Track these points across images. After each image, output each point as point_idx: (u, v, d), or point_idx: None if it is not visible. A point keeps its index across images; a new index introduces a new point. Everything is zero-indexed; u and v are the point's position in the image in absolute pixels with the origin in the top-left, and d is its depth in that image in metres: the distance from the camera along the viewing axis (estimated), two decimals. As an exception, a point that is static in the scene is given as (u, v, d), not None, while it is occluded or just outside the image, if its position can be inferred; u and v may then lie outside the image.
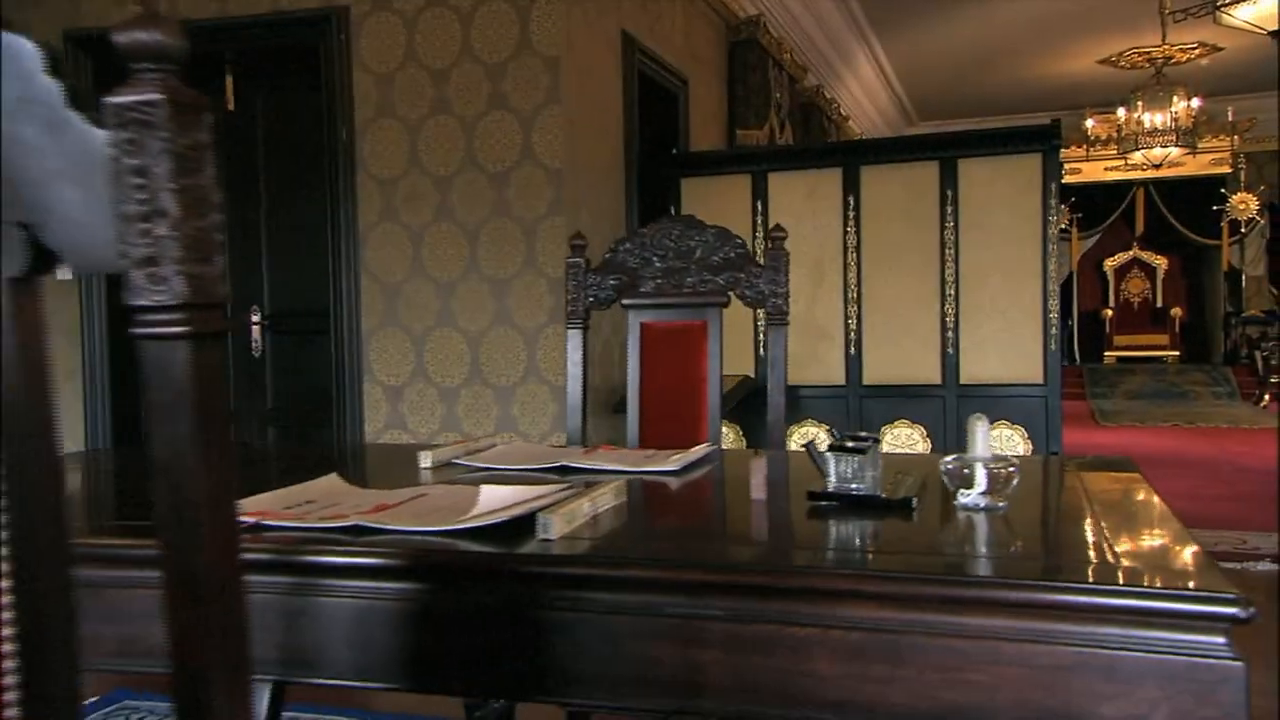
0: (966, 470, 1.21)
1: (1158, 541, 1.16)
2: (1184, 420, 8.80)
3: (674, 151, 5.13)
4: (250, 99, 4.62)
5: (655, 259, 2.15)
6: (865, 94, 10.10)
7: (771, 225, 5.03)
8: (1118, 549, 1.08)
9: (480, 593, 1.04)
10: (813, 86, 8.22)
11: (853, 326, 4.93)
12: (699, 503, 1.51)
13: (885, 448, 4.99)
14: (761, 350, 5.05)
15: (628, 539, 1.22)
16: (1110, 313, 11.88)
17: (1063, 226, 11.82)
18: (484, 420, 4.36)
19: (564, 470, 1.55)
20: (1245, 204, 10.98)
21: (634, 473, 1.53)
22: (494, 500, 1.22)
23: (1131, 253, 12.02)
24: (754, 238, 5.04)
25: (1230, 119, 10.52)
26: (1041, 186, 4.62)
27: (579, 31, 4.32)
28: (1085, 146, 11.41)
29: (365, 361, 4.42)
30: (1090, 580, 0.96)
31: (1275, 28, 5.12)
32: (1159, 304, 11.93)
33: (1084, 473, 1.55)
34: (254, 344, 4.66)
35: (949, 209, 4.76)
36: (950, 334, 4.79)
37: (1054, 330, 4.63)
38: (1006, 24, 8.56)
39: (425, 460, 1.63)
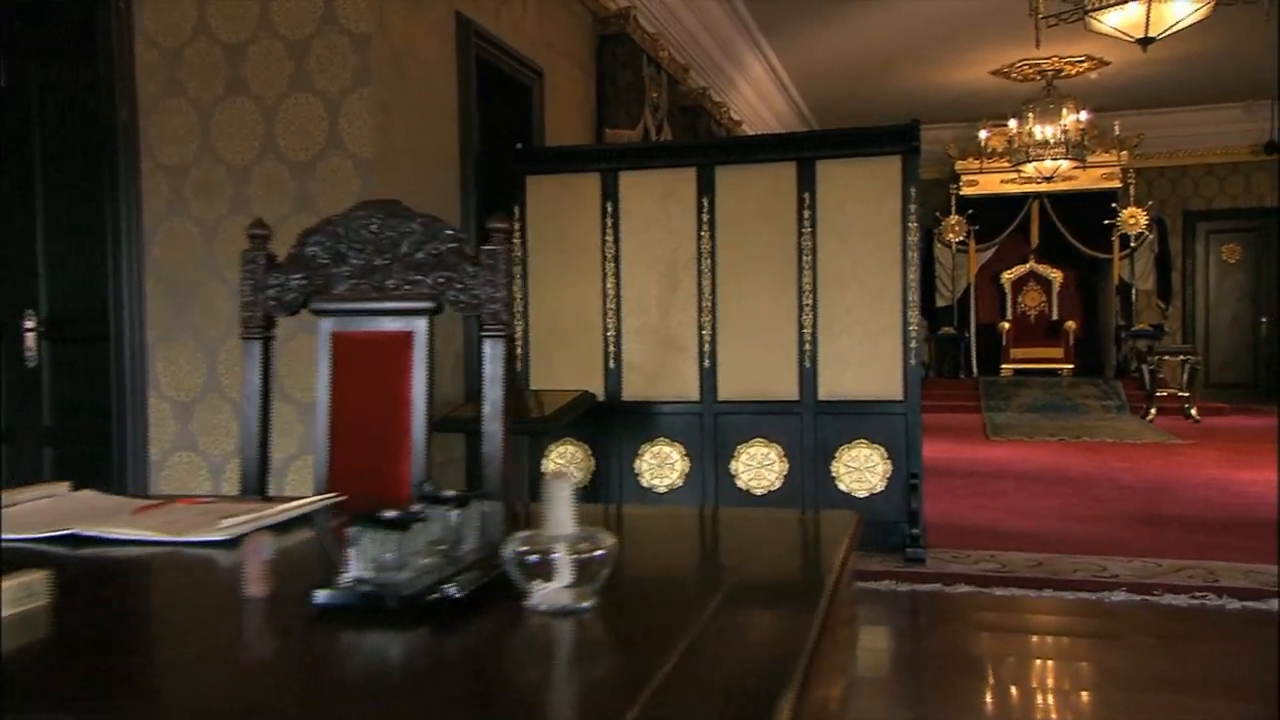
0: (542, 555, 0.83)
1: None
2: (1071, 435, 8.73)
3: (518, 146, 4.73)
4: (24, 75, 4.08)
5: (351, 254, 1.75)
6: (760, 98, 9.86)
7: (621, 228, 4.69)
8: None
9: None
10: (698, 88, 7.92)
11: (707, 337, 4.59)
12: (142, 612, 1.01)
13: (740, 468, 4.69)
14: (611, 363, 4.68)
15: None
16: (1007, 325, 11.87)
17: (960, 238, 11.79)
18: (287, 441, 3.89)
19: (75, 540, 1.12)
20: (1135, 219, 11.06)
21: (169, 543, 1.11)
22: None
23: (1028, 265, 12.04)
24: (604, 241, 4.68)
25: (1118, 134, 10.58)
26: (901, 190, 4.36)
27: (394, 8, 3.89)
28: (980, 158, 11.39)
29: (151, 374, 3.91)
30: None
31: (1143, 35, 4.98)
32: (1055, 317, 11.97)
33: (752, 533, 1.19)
34: (27, 353, 4.10)
35: (807, 213, 4.47)
36: (808, 347, 4.49)
37: (913, 344, 4.36)
38: (898, 29, 8.40)
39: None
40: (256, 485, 1.76)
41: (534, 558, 0.82)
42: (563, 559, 0.82)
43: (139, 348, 3.87)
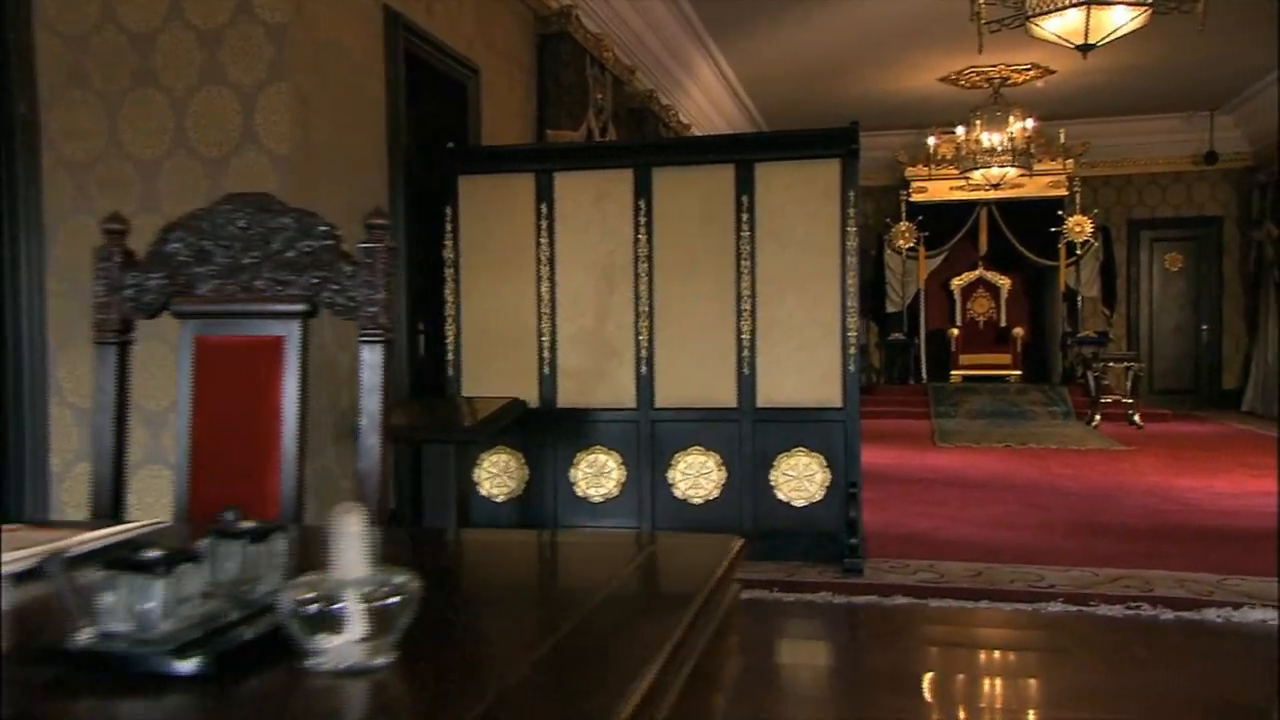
0: (325, 605, 0.70)
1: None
2: (1017, 441, 8.76)
3: (450, 146, 4.58)
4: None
5: (217, 252, 1.61)
6: (710, 102, 9.79)
7: (556, 230, 4.56)
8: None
9: None
10: (645, 90, 7.82)
11: (644, 343, 4.48)
12: None
13: (678, 477, 4.58)
14: (546, 368, 4.55)
15: None
16: (956, 332, 11.92)
17: (910, 245, 11.82)
18: (131, 450, 3.69)
19: None
20: (1080, 226, 11.17)
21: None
22: None
23: (977, 272, 12.11)
24: (538, 243, 4.54)
25: (1063, 142, 10.68)
26: (840, 194, 4.28)
27: (314, -1, 3.73)
28: (929, 165, 11.44)
29: (52, 379, 3.70)
30: None
31: (1082, 42, 4.97)
32: (1003, 324, 12.04)
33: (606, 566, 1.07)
34: (-80, 357, 3.86)
35: (745, 216, 4.37)
36: (747, 353, 4.39)
37: (852, 350, 4.28)
38: (846, 34, 8.38)
39: None
40: (110, 504, 1.61)
41: (316, 608, 0.69)
42: (351, 608, 0.69)
43: (39, 352, 3.66)
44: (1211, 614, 3.46)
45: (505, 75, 5.62)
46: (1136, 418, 9.77)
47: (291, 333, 1.61)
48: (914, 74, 9.64)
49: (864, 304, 12.75)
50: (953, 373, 11.75)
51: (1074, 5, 4.83)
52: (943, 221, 11.76)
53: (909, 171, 11.77)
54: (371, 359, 1.59)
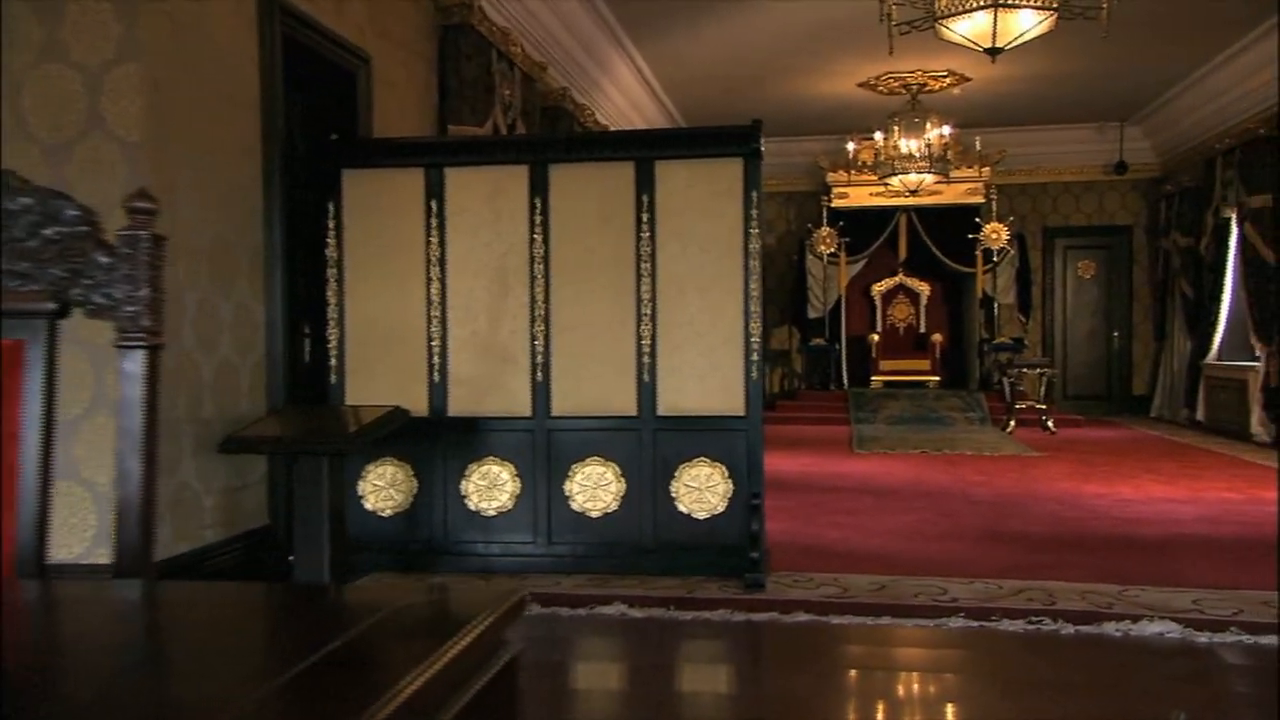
0: None
1: None
2: (933, 447, 8.76)
3: (333, 137, 4.30)
4: None
5: (-54, 240, 1.34)
6: (630, 103, 9.62)
7: (447, 229, 4.31)
8: None
9: None
10: (559, 88, 7.61)
11: (540, 348, 4.26)
12: None
13: (575, 488, 4.36)
14: (436, 375, 4.30)
15: None
16: (877, 337, 11.95)
17: (831, 250, 11.81)
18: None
19: None
20: (997, 234, 11.29)
21: None
22: None
23: (898, 278, 12.16)
24: (428, 243, 4.30)
25: (979, 150, 10.78)
26: (743, 194, 4.12)
27: (170, -28, 3.44)
28: (850, 171, 11.44)
29: None
30: None
31: (991, 45, 4.92)
32: (922, 330, 12.11)
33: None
34: None
35: (646, 216, 4.19)
36: (647, 359, 4.21)
37: (755, 356, 4.13)
38: (764, 37, 8.28)
39: None
40: None
41: None
42: None
43: None
44: (1111, 628, 3.38)
45: (403, 66, 5.35)
46: (1050, 423, 9.88)
47: (36, 337, 1.36)
48: (834, 79, 9.61)
49: (786, 309, 12.77)
50: (873, 378, 11.77)
51: (982, 8, 4.78)
52: (863, 227, 11.78)
53: (830, 177, 11.77)
54: (132, 369, 1.35)
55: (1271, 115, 8.85)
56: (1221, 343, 10.24)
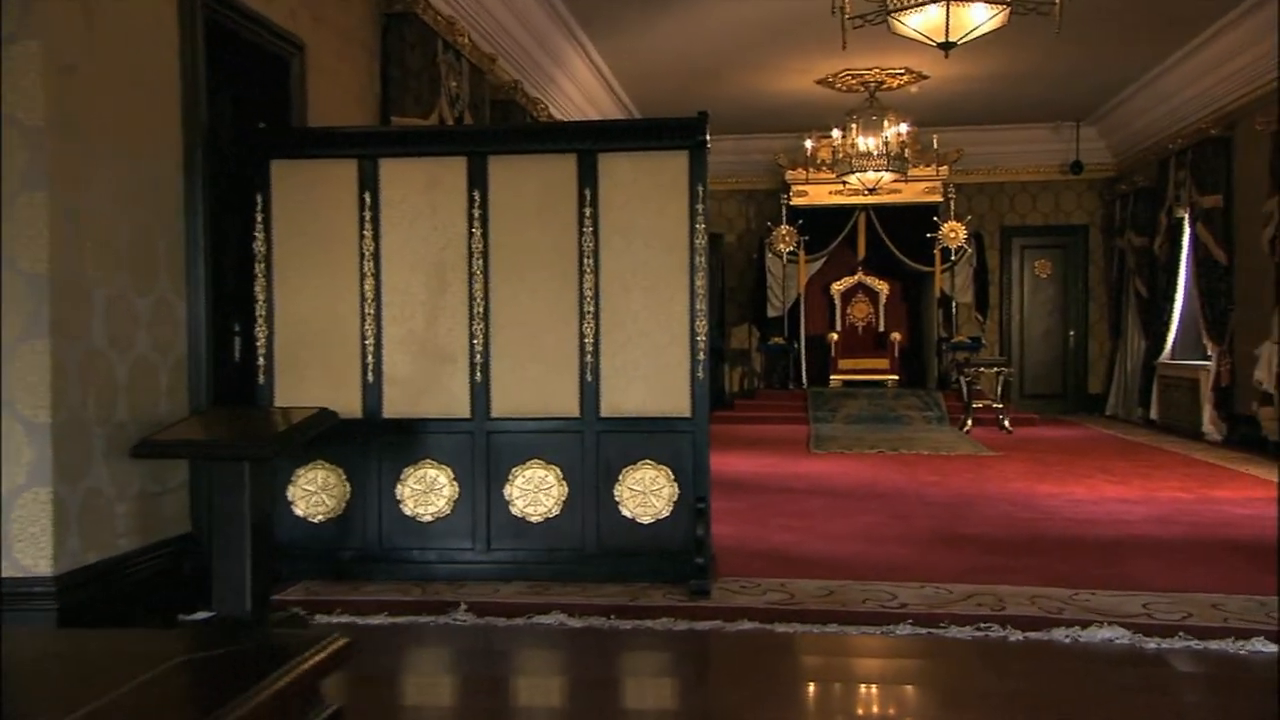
0: None
1: None
2: (890, 446, 8.71)
3: (260, 126, 4.11)
4: None
5: None
6: (585, 97, 9.47)
7: (381, 223, 4.14)
8: None
9: None
10: (510, 80, 7.44)
11: (479, 347, 4.10)
12: None
13: (516, 493, 4.21)
14: (370, 375, 4.12)
15: None
16: (836, 336, 11.91)
17: (791, 249, 11.75)
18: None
19: None
20: (955, 233, 11.29)
21: None
22: None
23: (857, 277, 12.13)
24: (361, 236, 4.13)
25: (937, 148, 10.77)
26: (689, 188, 4.00)
27: (77, -53, 3.24)
28: (808, 169, 11.38)
29: None
30: None
31: (943, 39, 4.84)
32: (881, 328, 12.09)
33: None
34: None
35: (588, 210, 4.05)
36: (590, 358, 4.07)
37: (701, 355, 4.01)
38: (719, 31, 8.17)
39: None
40: None
41: None
42: None
43: None
44: (1060, 634, 3.30)
45: (342, 55, 5.16)
46: (1006, 422, 9.88)
47: None
48: (792, 76, 9.54)
49: (746, 308, 12.69)
50: (832, 377, 11.72)
51: (934, 1, 4.69)
52: (822, 226, 11.74)
53: (789, 175, 11.71)
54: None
55: (1223, 116, 8.91)
56: (1175, 342, 10.31)
